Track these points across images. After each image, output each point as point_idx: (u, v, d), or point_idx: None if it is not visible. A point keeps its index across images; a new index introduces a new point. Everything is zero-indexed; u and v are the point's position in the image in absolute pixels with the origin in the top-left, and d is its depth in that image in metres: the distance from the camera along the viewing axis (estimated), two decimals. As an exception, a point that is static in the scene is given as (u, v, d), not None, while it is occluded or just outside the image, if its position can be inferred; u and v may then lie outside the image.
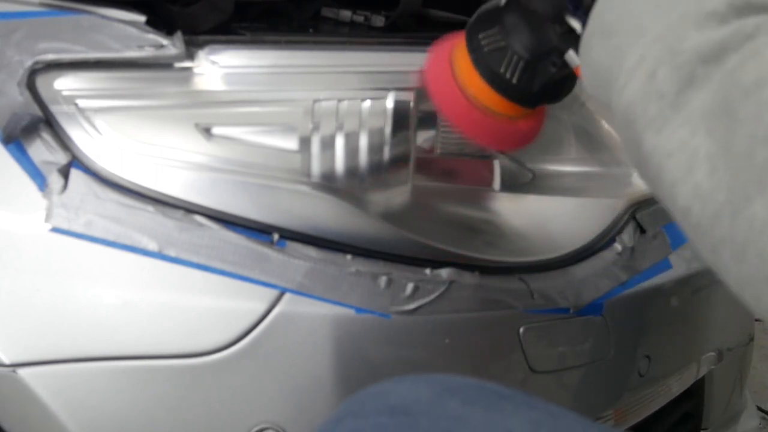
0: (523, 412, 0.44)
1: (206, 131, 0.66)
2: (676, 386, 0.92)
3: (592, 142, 0.83)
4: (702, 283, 0.86)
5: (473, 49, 0.61)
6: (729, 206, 0.34)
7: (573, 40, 0.55)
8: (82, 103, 0.65)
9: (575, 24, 0.54)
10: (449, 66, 0.64)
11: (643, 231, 0.79)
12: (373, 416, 0.43)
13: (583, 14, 0.49)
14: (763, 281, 0.34)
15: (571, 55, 0.57)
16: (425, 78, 0.67)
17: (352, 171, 0.67)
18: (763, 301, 0.34)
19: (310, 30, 0.80)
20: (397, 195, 0.70)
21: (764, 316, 0.35)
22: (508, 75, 0.60)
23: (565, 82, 0.63)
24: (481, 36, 0.61)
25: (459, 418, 0.42)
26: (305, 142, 0.67)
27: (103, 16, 0.65)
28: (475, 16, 0.62)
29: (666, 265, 0.81)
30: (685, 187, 0.37)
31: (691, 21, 0.39)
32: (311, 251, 0.66)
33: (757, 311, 0.36)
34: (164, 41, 0.65)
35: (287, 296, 0.65)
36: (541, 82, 0.61)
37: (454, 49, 0.64)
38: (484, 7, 0.62)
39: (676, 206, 0.38)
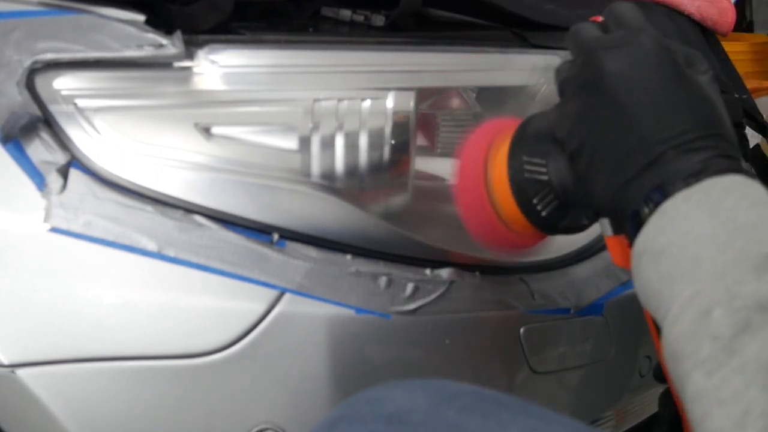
0: (520, 419, 0.44)
1: (206, 131, 0.66)
2: (677, 387, 0.92)
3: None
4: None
5: (513, 166, 0.58)
6: None
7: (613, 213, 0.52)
8: (81, 102, 0.65)
9: (627, 226, 0.49)
10: (483, 157, 0.61)
11: (644, 231, 0.79)
12: (369, 423, 0.43)
13: (637, 225, 0.46)
14: None
15: (605, 224, 0.54)
16: (459, 154, 0.63)
17: (352, 171, 0.67)
18: None
19: (310, 29, 0.79)
20: (397, 195, 0.69)
21: None
22: (539, 207, 0.57)
23: (585, 228, 0.61)
24: (525, 159, 0.57)
25: (456, 426, 0.43)
26: (305, 142, 0.66)
27: (103, 16, 0.65)
28: (526, 128, 0.58)
29: (667, 266, 0.80)
30: None
31: (750, 264, 0.39)
32: (311, 251, 0.66)
33: None
34: (163, 41, 0.64)
35: (287, 296, 0.65)
36: (566, 225, 0.59)
37: (495, 145, 0.61)
38: (538, 123, 0.57)
39: None
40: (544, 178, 0.56)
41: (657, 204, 0.44)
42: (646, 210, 0.45)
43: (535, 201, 0.57)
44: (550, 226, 0.59)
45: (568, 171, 0.54)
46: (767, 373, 0.35)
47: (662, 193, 0.45)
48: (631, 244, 0.47)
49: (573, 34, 0.54)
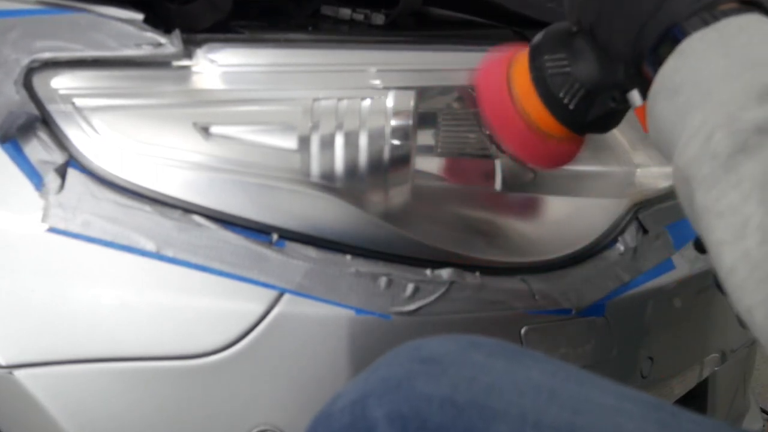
0: (542, 364, 0.48)
1: (204, 130, 0.66)
2: (679, 388, 0.92)
3: (594, 142, 0.83)
4: (705, 284, 0.85)
5: (535, 67, 0.61)
6: None
7: (639, 81, 0.55)
8: (79, 101, 0.65)
9: (648, 70, 0.53)
10: (505, 75, 0.63)
11: (645, 231, 0.79)
12: (407, 364, 0.47)
13: (656, 65, 0.49)
14: None
15: (634, 95, 0.57)
16: (477, 80, 0.66)
17: (351, 170, 0.67)
18: None
19: (310, 28, 0.79)
20: (397, 195, 0.69)
21: None
22: (566, 100, 0.60)
23: (615, 115, 0.63)
24: (546, 57, 0.60)
25: (484, 366, 0.46)
26: (304, 142, 0.66)
27: (101, 14, 0.65)
28: (543, 34, 0.62)
29: (669, 266, 0.80)
30: (733, 249, 0.39)
31: (755, 93, 0.41)
32: (311, 251, 0.66)
33: None
34: (162, 40, 0.64)
35: (286, 297, 0.65)
36: (595, 114, 0.61)
37: (514, 60, 0.64)
38: (554, 27, 0.62)
39: (721, 264, 0.40)
40: (567, 69, 0.59)
41: (674, 42, 0.48)
42: (665, 49, 0.49)
43: (561, 95, 0.60)
44: (580, 120, 0.61)
45: (589, 51, 0.58)
46: (762, 189, 0.38)
47: (680, 30, 0.48)
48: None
49: None
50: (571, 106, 0.60)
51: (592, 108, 0.60)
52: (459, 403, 0.44)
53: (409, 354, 0.48)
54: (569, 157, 0.68)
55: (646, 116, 0.50)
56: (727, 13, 0.47)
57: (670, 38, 0.49)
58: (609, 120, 0.63)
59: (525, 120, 0.62)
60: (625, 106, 0.60)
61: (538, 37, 0.63)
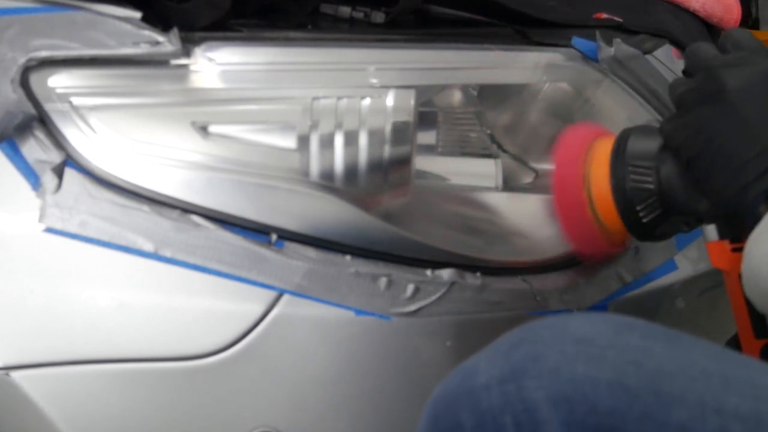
0: (701, 347, 0.46)
1: (203, 129, 0.65)
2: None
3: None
4: (708, 285, 0.85)
5: (616, 175, 0.62)
6: None
7: (720, 219, 0.59)
8: (76, 100, 0.64)
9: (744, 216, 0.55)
10: (582, 161, 0.64)
11: (648, 231, 0.78)
12: (556, 345, 0.45)
13: (755, 218, 0.52)
14: None
15: (711, 230, 0.60)
16: (556, 160, 0.66)
17: (351, 170, 0.66)
18: None
19: (309, 27, 0.79)
20: (397, 195, 0.68)
21: None
22: (641, 214, 0.61)
23: (678, 232, 0.65)
24: (631, 169, 0.61)
25: (643, 349, 0.45)
26: (304, 141, 0.66)
27: (98, 13, 0.64)
28: (629, 138, 0.62)
29: (671, 267, 0.80)
30: None
31: None
32: (310, 252, 0.66)
33: None
34: (160, 38, 0.64)
35: (285, 298, 0.64)
36: (663, 231, 0.63)
37: (594, 150, 0.64)
38: (641, 132, 0.63)
39: None
40: (650, 186, 0.60)
41: None
42: (763, 208, 0.52)
43: (638, 208, 0.61)
44: (647, 232, 0.63)
45: (678, 179, 0.59)
46: None
47: None
48: (734, 241, 0.56)
49: (692, 52, 0.61)
50: (644, 220, 0.61)
51: (662, 225, 0.62)
52: (630, 388, 0.43)
53: (556, 332, 0.47)
54: (616, 252, 0.70)
55: (745, 257, 0.52)
56: None
57: None
58: (672, 235, 0.65)
59: (595, 219, 0.64)
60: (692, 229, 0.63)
61: (620, 140, 0.63)
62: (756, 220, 0.52)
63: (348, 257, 0.66)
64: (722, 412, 0.42)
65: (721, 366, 0.45)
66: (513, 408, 0.44)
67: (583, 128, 0.69)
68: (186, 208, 0.64)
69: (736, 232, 0.58)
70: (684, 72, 0.62)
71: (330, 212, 0.66)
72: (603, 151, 0.63)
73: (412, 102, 0.67)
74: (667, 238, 0.66)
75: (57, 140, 0.64)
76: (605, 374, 0.43)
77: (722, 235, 0.60)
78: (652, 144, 0.61)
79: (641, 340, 0.46)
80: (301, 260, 0.65)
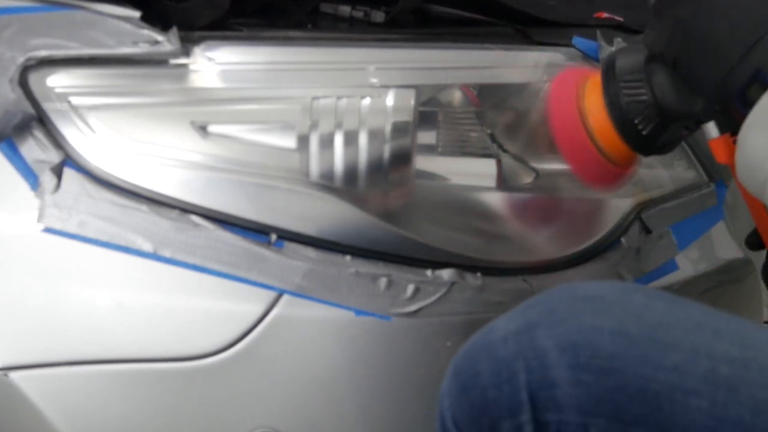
0: (698, 307, 0.51)
1: (202, 129, 0.65)
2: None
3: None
4: (709, 285, 0.85)
5: (610, 93, 0.62)
6: None
7: (718, 114, 0.58)
8: (75, 100, 0.64)
9: (735, 107, 0.55)
10: (576, 93, 0.65)
11: (648, 231, 0.78)
12: (566, 301, 0.50)
13: (746, 104, 0.53)
14: None
15: (711, 127, 0.60)
16: (549, 94, 0.67)
17: (351, 170, 0.66)
18: None
19: (309, 26, 0.79)
20: (397, 195, 0.68)
21: None
22: (640, 126, 0.62)
23: (681, 139, 0.65)
24: (622, 84, 0.62)
25: (645, 305, 0.50)
26: (303, 141, 0.65)
27: (97, 12, 0.64)
28: (616, 59, 0.63)
29: (672, 267, 0.80)
30: None
31: None
32: (310, 252, 0.65)
33: None
34: (159, 37, 0.64)
35: (285, 298, 0.64)
36: (665, 139, 0.63)
37: (587, 82, 0.65)
38: (628, 51, 0.63)
39: None
40: (644, 97, 0.61)
41: (764, 84, 0.52)
42: (754, 90, 0.52)
43: (636, 121, 0.61)
44: (649, 144, 0.63)
45: (669, 84, 0.60)
46: None
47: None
48: (735, 134, 0.54)
49: None
50: (644, 132, 0.62)
51: (663, 134, 0.62)
52: (631, 335, 0.47)
53: (566, 294, 0.51)
54: (626, 181, 0.70)
55: (738, 147, 0.52)
56: None
57: (760, 81, 0.52)
58: (674, 144, 0.65)
59: (594, 142, 0.64)
60: (693, 133, 0.62)
61: (608, 62, 0.64)
62: (746, 104, 0.52)
63: (348, 257, 0.66)
64: (712, 356, 0.46)
65: (714, 321, 0.49)
66: (525, 355, 0.48)
67: (573, 70, 0.69)
68: (185, 208, 0.64)
69: (735, 125, 0.57)
70: None
71: (330, 212, 0.66)
72: (594, 81, 0.64)
73: (412, 102, 0.67)
74: (671, 150, 0.66)
75: (56, 140, 0.64)
76: (609, 323, 0.48)
77: (722, 130, 0.59)
78: (639, 57, 0.62)
79: (645, 298, 0.50)
80: (300, 260, 0.65)
